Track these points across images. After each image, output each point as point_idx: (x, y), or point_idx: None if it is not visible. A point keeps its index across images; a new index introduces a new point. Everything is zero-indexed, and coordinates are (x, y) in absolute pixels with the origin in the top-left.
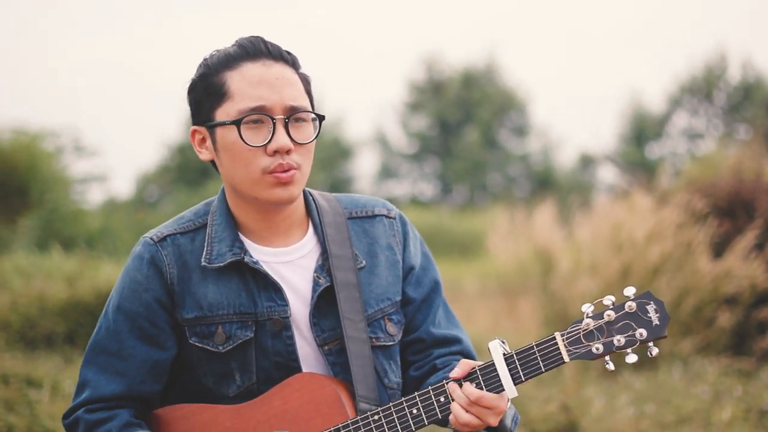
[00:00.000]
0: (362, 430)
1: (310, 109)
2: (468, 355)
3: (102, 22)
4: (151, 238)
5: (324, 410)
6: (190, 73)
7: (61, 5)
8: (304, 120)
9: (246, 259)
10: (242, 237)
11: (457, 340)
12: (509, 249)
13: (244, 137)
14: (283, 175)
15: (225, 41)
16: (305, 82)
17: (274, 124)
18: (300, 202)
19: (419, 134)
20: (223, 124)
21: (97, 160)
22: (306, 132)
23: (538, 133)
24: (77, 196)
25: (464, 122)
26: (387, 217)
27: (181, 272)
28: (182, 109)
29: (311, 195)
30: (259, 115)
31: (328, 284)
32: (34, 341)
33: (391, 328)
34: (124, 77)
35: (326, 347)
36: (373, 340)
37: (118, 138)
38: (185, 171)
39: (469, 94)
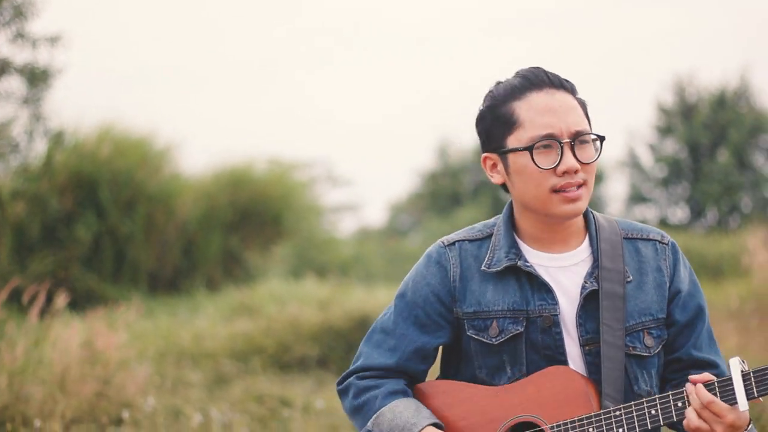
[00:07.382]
0: (603, 422)
1: (592, 132)
2: None
3: (356, 57)
4: (443, 242)
5: (572, 401)
6: (439, 103)
7: (316, 44)
8: (587, 141)
9: (519, 263)
10: (521, 243)
11: (713, 365)
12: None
13: (536, 161)
14: (571, 193)
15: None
16: (583, 106)
17: (561, 148)
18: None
19: (668, 158)
20: (515, 150)
21: (349, 189)
22: (589, 152)
23: None
24: (330, 225)
25: (716, 145)
26: (660, 242)
27: (464, 272)
28: (433, 137)
29: (592, 213)
30: (549, 140)
31: (594, 288)
32: (288, 364)
33: (649, 340)
34: (373, 107)
35: (587, 347)
36: (630, 348)
37: (371, 168)
38: (437, 198)
39: (720, 115)
